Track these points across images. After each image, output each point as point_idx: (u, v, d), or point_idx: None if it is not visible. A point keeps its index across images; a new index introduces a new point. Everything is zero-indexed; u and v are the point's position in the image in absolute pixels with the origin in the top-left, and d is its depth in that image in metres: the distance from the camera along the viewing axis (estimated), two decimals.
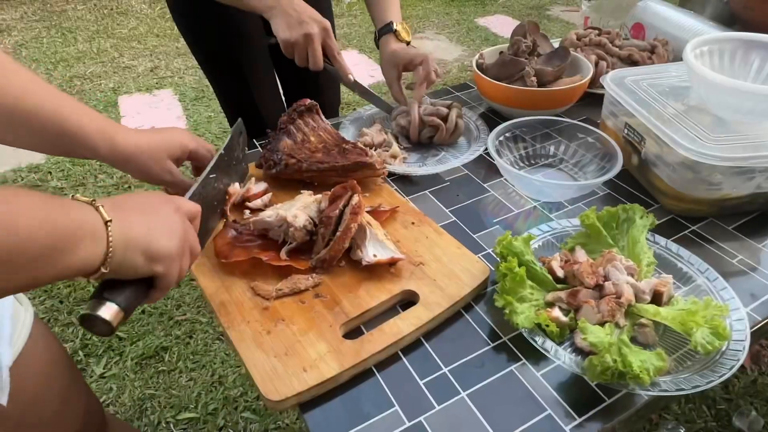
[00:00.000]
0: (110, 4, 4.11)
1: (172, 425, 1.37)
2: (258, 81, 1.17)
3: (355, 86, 1.00)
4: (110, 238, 0.46)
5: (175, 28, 3.74)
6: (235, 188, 0.79)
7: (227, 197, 0.78)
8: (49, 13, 3.94)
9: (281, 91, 1.31)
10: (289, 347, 0.60)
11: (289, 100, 1.33)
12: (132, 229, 0.48)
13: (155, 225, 0.51)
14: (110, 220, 0.46)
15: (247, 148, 0.87)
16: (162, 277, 0.51)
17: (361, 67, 3.19)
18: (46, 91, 0.63)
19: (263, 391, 0.56)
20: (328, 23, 0.92)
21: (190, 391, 1.44)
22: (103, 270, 0.46)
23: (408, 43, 1.05)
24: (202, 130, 2.58)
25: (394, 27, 1.04)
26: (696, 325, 0.56)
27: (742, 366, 1.45)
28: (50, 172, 2.28)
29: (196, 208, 0.59)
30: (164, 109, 2.79)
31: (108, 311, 0.49)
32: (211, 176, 0.71)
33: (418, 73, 0.99)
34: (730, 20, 1.25)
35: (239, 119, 0.84)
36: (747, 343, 0.57)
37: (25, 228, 0.40)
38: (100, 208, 0.47)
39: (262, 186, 0.82)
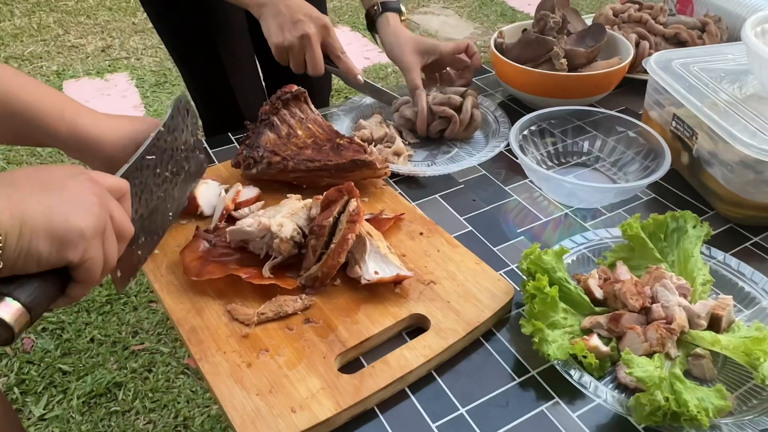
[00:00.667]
0: None
1: None
2: (235, 64, 1.18)
3: (365, 87, 1.02)
4: None
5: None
6: (222, 195, 0.78)
7: (188, 200, 0.77)
8: None
9: (261, 75, 1.32)
10: (274, 383, 0.60)
11: (270, 86, 1.34)
12: (27, 207, 0.45)
13: (60, 200, 0.48)
14: None
15: (200, 132, 0.83)
16: (79, 266, 0.48)
17: (354, 47, 3.21)
18: None
19: None
20: (327, 20, 0.94)
21: None
22: None
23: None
24: None
25: (403, 9, 1.06)
26: (763, 356, 0.56)
27: None
28: None
29: (122, 183, 0.56)
30: (118, 96, 2.80)
31: (6, 310, 0.44)
32: (148, 158, 0.66)
33: (474, 60, 1.04)
34: None
35: (180, 92, 0.82)
36: None
37: None
38: None
39: (254, 192, 0.82)
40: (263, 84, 1.32)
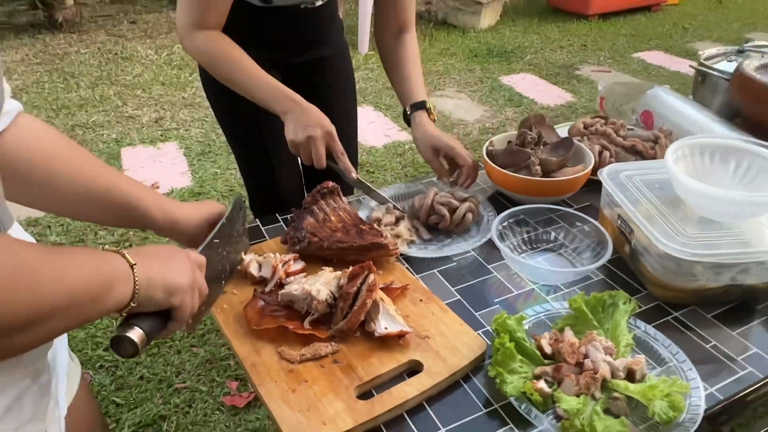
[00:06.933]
0: (114, 48, 4.55)
1: None
2: (281, 158, 1.45)
3: (359, 184, 1.26)
4: (136, 279, 0.65)
5: (182, 76, 4.11)
6: (271, 260, 1.04)
7: (236, 268, 1.03)
8: (50, 56, 4.37)
9: (301, 168, 1.58)
10: (311, 404, 0.83)
11: (307, 177, 1.60)
12: (151, 269, 0.68)
13: (170, 266, 0.71)
14: (135, 264, 0.66)
15: (246, 224, 1.10)
16: (177, 308, 0.71)
17: (376, 125, 3.50)
18: (110, 171, 0.90)
19: None
20: (332, 128, 1.20)
21: None
22: (132, 304, 0.65)
23: (434, 121, 1.35)
24: (208, 187, 2.87)
25: (428, 105, 1.35)
26: (654, 398, 0.78)
27: None
28: (49, 227, 2.56)
29: (202, 259, 0.81)
30: (168, 163, 3.08)
31: (135, 334, 0.67)
32: (215, 241, 0.92)
33: (461, 171, 1.29)
34: (731, 113, 1.51)
35: (239, 197, 1.09)
36: (699, 418, 0.79)
37: (75, 279, 0.59)
38: (126, 254, 0.66)
39: (300, 264, 1.07)
40: (302, 175, 1.59)
